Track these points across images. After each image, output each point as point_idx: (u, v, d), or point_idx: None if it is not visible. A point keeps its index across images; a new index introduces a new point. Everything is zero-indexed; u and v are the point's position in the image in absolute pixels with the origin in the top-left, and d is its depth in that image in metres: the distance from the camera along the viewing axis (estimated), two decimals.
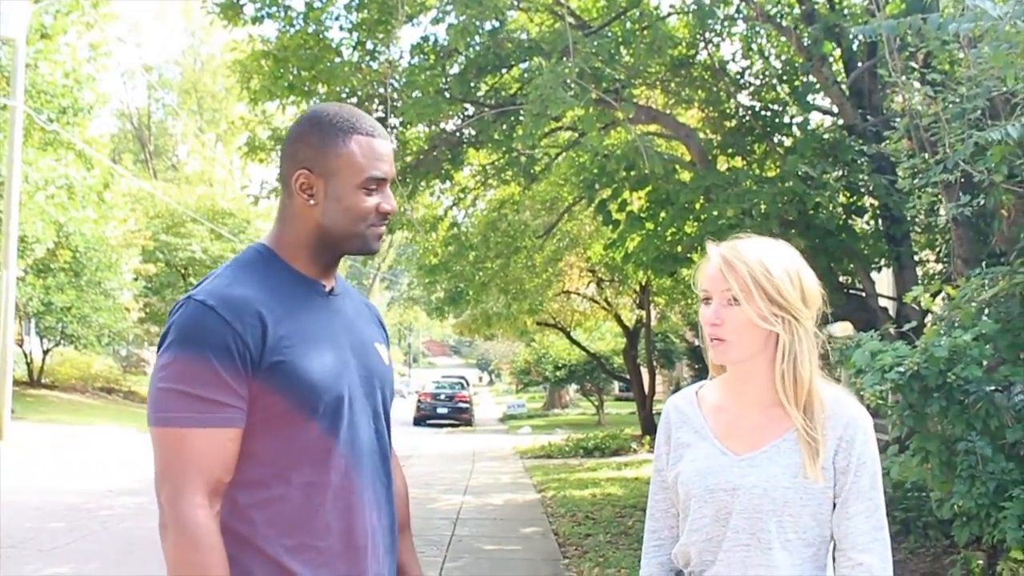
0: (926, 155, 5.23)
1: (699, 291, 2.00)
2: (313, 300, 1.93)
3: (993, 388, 4.04)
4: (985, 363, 4.26)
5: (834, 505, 1.92)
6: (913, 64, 5.71)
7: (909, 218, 8.31)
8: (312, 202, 1.89)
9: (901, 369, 4.00)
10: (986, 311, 4.53)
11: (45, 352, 29.22)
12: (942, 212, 6.05)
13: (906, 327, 4.66)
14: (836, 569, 1.94)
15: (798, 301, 1.93)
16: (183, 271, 33.79)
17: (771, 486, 1.90)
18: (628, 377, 24.11)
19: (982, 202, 4.74)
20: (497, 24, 9.73)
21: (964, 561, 4.56)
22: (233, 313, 1.78)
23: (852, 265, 9.79)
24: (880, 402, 4.10)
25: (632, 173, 10.40)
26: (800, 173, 8.64)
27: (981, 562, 4.28)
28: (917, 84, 5.54)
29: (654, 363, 23.40)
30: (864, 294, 9.73)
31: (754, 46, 11.38)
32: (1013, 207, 4.75)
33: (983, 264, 4.91)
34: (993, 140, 3.94)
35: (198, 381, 1.75)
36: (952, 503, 4.12)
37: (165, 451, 1.76)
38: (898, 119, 5.92)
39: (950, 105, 4.95)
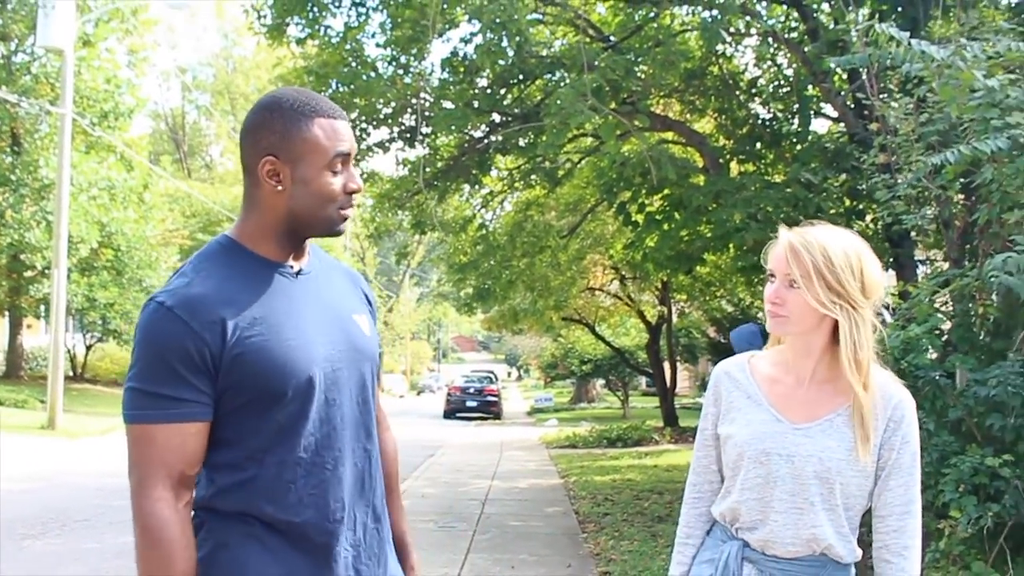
0: (901, 170, 5.91)
1: (767, 269, 2.16)
2: (278, 285, 1.94)
3: (939, 374, 4.74)
4: (935, 354, 4.99)
5: (876, 477, 2.12)
6: (891, 86, 6.38)
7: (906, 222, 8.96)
8: (280, 188, 1.90)
9: None
10: (941, 308, 5.24)
11: (88, 348, 30.22)
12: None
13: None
14: (875, 532, 2.14)
15: (857, 291, 2.04)
16: None
17: (826, 456, 2.07)
18: (652, 371, 24.77)
19: (934, 213, 5.45)
20: (521, 40, 10.44)
21: (924, 526, 5.24)
22: (190, 313, 1.81)
23: None
24: None
25: (648, 178, 11.07)
26: (802, 179, 9.33)
27: (939, 527, 4.96)
28: (895, 104, 6.18)
29: (676, 358, 24.12)
30: None
31: (767, 55, 12.02)
32: (963, 218, 5.45)
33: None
34: (939, 162, 4.63)
35: (159, 380, 1.79)
36: None
37: (132, 446, 1.81)
38: (889, 134, 6.61)
39: (917, 126, 5.64)
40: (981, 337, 5.10)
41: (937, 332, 4.86)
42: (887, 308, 9.46)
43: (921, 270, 9.87)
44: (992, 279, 4.18)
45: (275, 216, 1.93)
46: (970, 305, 5.02)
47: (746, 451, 2.13)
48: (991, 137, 4.45)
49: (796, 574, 2.12)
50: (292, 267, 1.98)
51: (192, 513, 1.87)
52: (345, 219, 1.97)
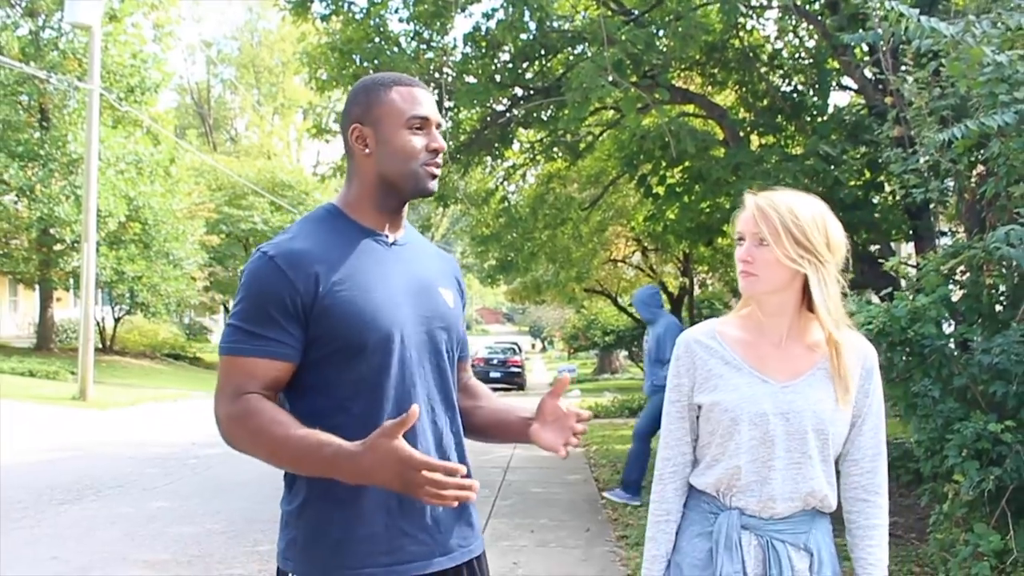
0: (914, 143, 6.01)
1: (735, 233, 2.25)
2: (372, 250, 2.12)
3: (945, 343, 4.88)
4: (946, 323, 5.13)
5: (851, 425, 2.23)
6: (907, 60, 6.46)
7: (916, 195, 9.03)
8: (367, 151, 2.12)
9: (870, 327, 4.85)
10: (952, 278, 5.36)
11: (116, 320, 30.64)
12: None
13: (883, 292, 5.49)
14: (847, 476, 2.27)
15: (823, 246, 2.14)
16: (245, 241, 35.00)
17: (819, 409, 2.15)
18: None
19: (952, 186, 5.57)
20: (542, 15, 10.52)
21: (932, 491, 5.39)
22: (289, 264, 2.00)
23: (868, 236, 10.43)
24: None
25: (668, 151, 11.16)
26: (820, 152, 9.41)
27: (945, 490, 5.11)
28: (910, 79, 6.26)
29: None
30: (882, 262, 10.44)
31: (788, 27, 12.05)
32: (971, 191, 5.56)
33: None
34: (947, 138, 4.74)
35: (255, 321, 2.00)
36: (914, 439, 5.00)
37: (225, 372, 2.03)
38: (904, 108, 6.69)
39: (930, 101, 5.74)
40: (989, 307, 5.21)
41: (944, 303, 4.98)
42: (900, 277, 9.59)
43: (943, 241, 9.94)
44: (995, 251, 4.31)
45: (369, 181, 2.14)
46: (979, 276, 5.14)
47: (740, 415, 2.16)
48: (998, 112, 4.55)
49: (792, 531, 2.19)
50: (387, 236, 2.17)
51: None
52: (433, 176, 2.14)
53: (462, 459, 2.20)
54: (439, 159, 2.15)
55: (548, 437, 2.20)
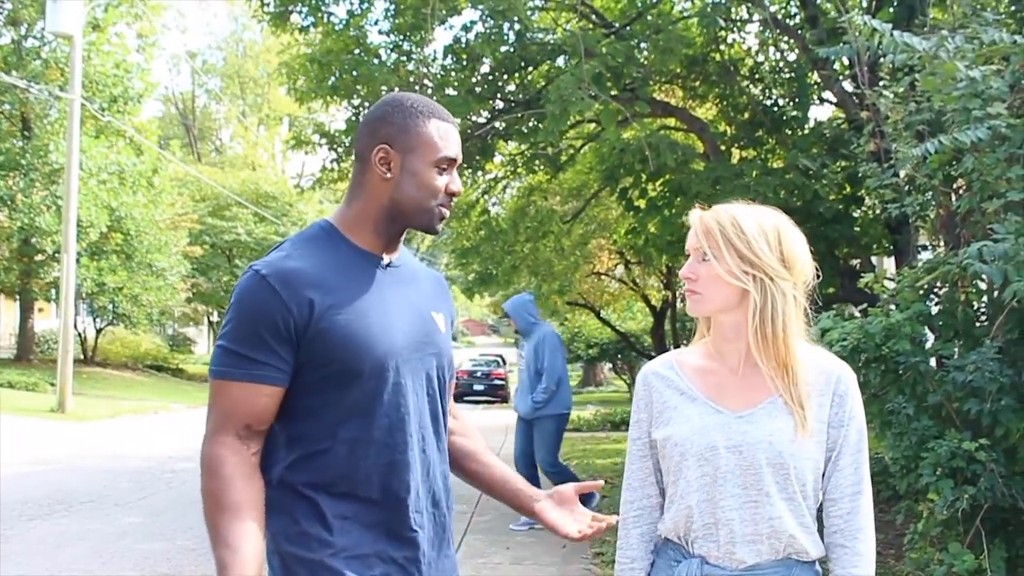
0: (889, 157, 5.99)
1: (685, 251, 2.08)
2: (367, 272, 2.07)
3: (920, 359, 4.84)
4: (925, 340, 5.11)
5: (826, 459, 2.00)
6: (883, 75, 6.45)
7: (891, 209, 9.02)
8: (388, 175, 2.06)
9: (844, 343, 4.81)
10: (931, 295, 5.34)
11: (98, 331, 30.43)
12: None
13: (858, 308, 5.46)
14: (827, 518, 2.02)
15: (774, 261, 1.95)
16: (228, 253, 34.83)
17: (776, 440, 1.93)
18: (657, 355, 24.83)
19: (928, 199, 5.55)
20: (522, 27, 10.50)
21: (907, 508, 5.35)
22: (283, 284, 1.95)
23: (848, 250, 10.42)
24: None
25: (648, 164, 11.13)
26: (800, 165, 9.39)
27: (920, 508, 5.07)
28: (888, 94, 6.24)
29: (681, 342, 24.21)
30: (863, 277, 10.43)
31: (768, 41, 12.06)
32: (947, 207, 5.54)
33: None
34: (920, 153, 4.72)
35: (244, 342, 1.95)
36: (889, 456, 4.96)
37: (213, 396, 1.99)
38: (880, 123, 6.68)
39: (905, 115, 5.71)
40: (964, 324, 5.17)
41: (921, 319, 4.94)
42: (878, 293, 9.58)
43: (923, 256, 9.92)
44: (968, 267, 4.27)
45: (378, 204, 2.08)
46: (954, 292, 5.11)
47: (689, 449, 1.98)
48: (972, 127, 4.53)
49: None
50: (383, 259, 2.13)
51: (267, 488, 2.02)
52: (443, 218, 2.13)
53: (447, 487, 2.19)
54: (452, 202, 2.14)
55: (557, 515, 2.22)
